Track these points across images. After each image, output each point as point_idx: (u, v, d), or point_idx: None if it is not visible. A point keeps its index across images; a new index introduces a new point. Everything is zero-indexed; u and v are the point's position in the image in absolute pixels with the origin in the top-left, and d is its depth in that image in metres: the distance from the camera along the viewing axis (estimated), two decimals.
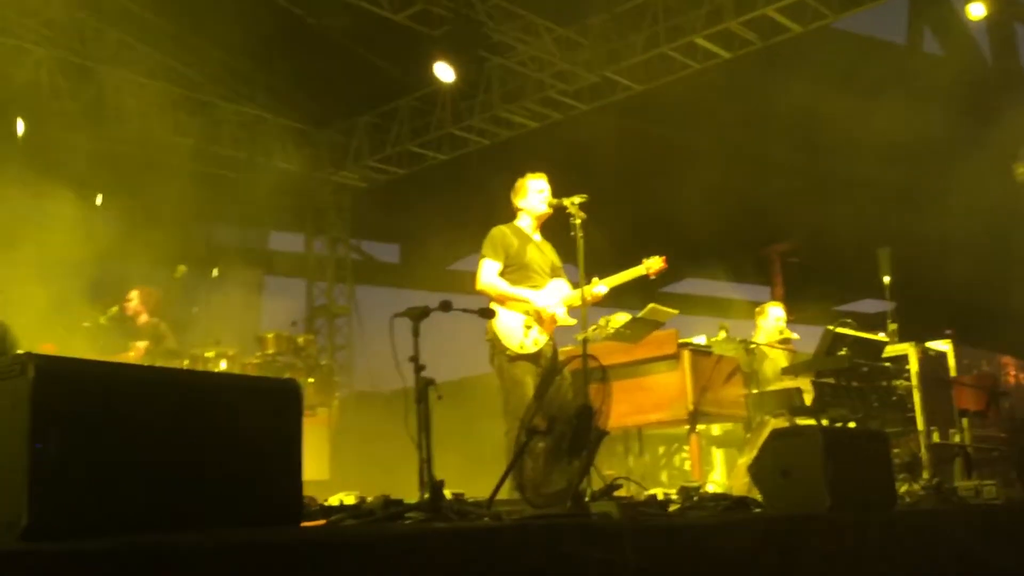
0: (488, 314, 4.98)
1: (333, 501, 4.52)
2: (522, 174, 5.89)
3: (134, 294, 8.32)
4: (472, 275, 5.73)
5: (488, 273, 5.62)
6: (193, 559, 2.01)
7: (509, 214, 5.89)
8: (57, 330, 7.37)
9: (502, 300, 5.56)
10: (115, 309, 8.11)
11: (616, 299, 5.96)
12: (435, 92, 11.33)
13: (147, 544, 2.03)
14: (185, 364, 7.85)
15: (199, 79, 10.82)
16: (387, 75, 11.09)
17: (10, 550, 1.99)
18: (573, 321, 5.65)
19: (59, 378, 2.29)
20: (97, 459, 2.29)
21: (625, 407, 6.21)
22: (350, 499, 4.58)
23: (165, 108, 10.77)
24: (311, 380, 9.05)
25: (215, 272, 9.61)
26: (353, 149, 12.63)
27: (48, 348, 6.84)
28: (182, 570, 1.98)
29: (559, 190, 5.69)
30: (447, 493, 3.56)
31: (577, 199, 5.33)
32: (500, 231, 5.74)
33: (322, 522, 3.20)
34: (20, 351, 4.52)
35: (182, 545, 2.05)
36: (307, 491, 2.99)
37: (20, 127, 9.17)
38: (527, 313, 5.57)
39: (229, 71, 10.54)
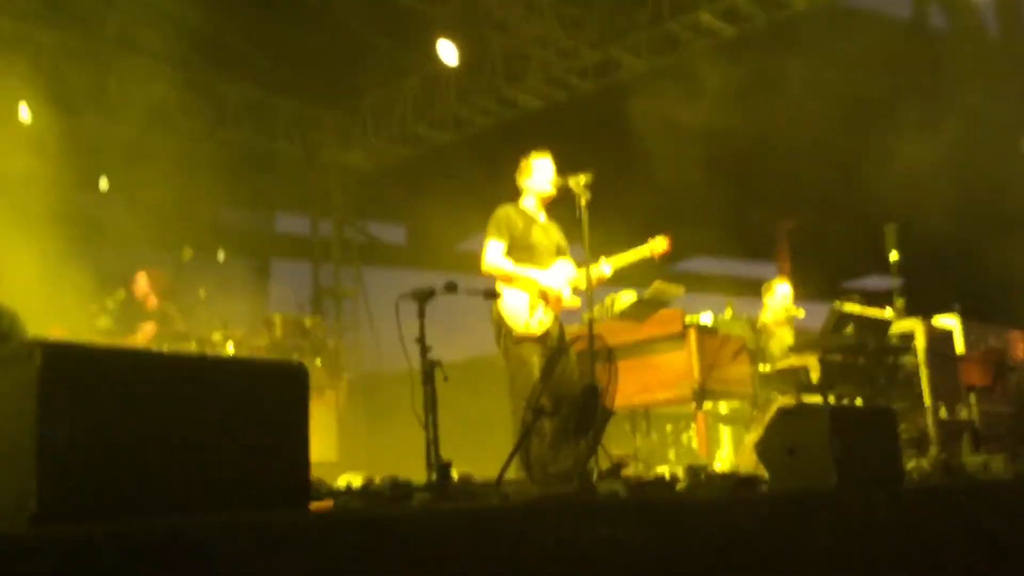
0: (493, 295, 4.99)
1: (341, 483, 4.54)
2: (527, 153, 5.87)
3: (141, 277, 8.34)
4: (478, 256, 5.73)
5: (493, 253, 5.61)
6: (201, 542, 2.02)
7: (515, 194, 5.88)
8: (65, 314, 7.39)
9: (507, 280, 5.56)
10: (123, 293, 8.13)
11: (622, 279, 5.95)
12: (439, 72, 11.29)
13: (155, 527, 2.04)
14: (192, 347, 7.88)
15: (203, 61, 10.79)
16: (391, 55, 11.05)
17: (19, 534, 2.01)
18: (579, 301, 5.65)
19: (66, 363, 2.30)
20: (105, 443, 2.30)
21: (631, 386, 6.21)
22: (358, 480, 4.60)
23: (169, 90, 10.75)
24: (318, 362, 9.08)
25: (221, 255, 9.62)
26: (358, 130, 12.61)
27: (56, 332, 6.87)
28: (190, 553, 1.99)
29: (563, 168, 5.67)
30: (454, 473, 3.57)
31: (582, 178, 5.31)
32: (505, 211, 5.73)
33: (330, 503, 3.21)
34: (28, 337, 4.54)
35: (190, 528, 2.07)
36: (315, 473, 3.00)
37: (24, 112, 9.16)
38: (532, 293, 5.56)
39: (233, 52, 10.50)
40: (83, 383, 2.31)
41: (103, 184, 9.16)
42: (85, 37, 9.87)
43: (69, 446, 2.22)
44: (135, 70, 10.38)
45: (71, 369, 2.30)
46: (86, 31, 9.86)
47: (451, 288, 4.11)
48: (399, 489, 3.42)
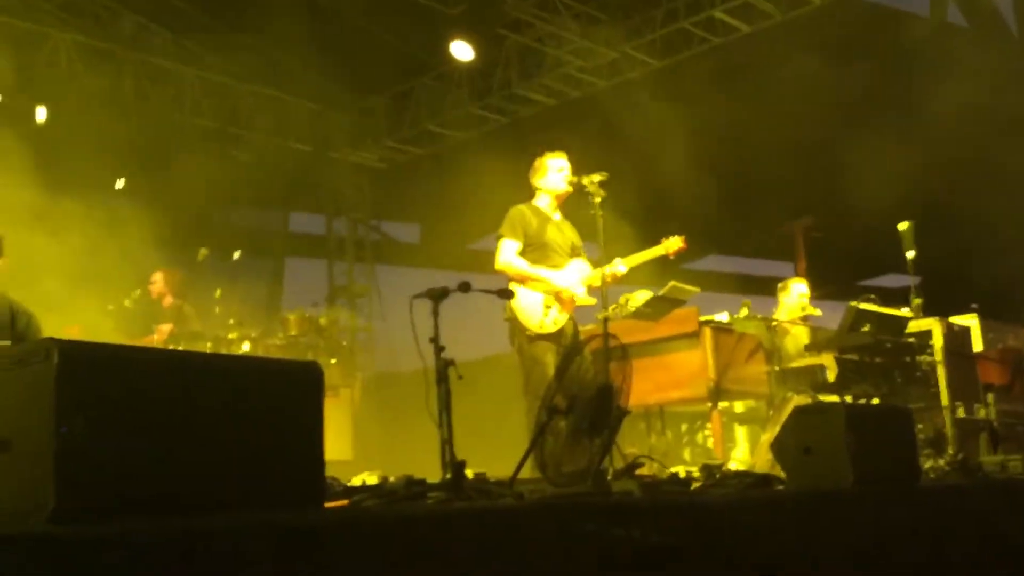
0: (507, 294, 4.99)
1: (356, 481, 4.55)
2: (541, 153, 5.88)
3: (158, 276, 8.38)
4: (493, 255, 5.73)
5: (507, 253, 5.62)
6: (216, 541, 2.03)
7: (529, 193, 5.88)
8: (82, 314, 7.43)
9: (522, 280, 5.56)
10: (139, 292, 8.17)
11: (636, 278, 5.94)
12: (453, 71, 11.30)
13: (169, 527, 2.05)
14: (208, 346, 7.91)
15: (216, 61, 10.83)
16: (404, 54, 11.06)
17: (37, 533, 2.02)
18: (593, 300, 5.65)
19: (83, 362, 2.31)
20: (121, 443, 2.31)
21: (646, 385, 6.20)
22: (372, 479, 4.62)
23: (183, 90, 10.80)
24: (333, 361, 9.09)
25: (236, 254, 9.66)
26: (371, 129, 12.62)
27: (73, 332, 6.91)
28: (205, 552, 2.00)
29: (579, 168, 5.68)
30: (469, 473, 3.57)
31: (597, 177, 5.32)
32: (519, 210, 5.73)
33: (344, 502, 3.22)
34: (44, 336, 4.56)
35: (205, 527, 2.08)
36: (330, 471, 3.01)
37: (41, 113, 9.21)
38: (547, 293, 5.56)
39: (245, 52, 10.53)
40: (99, 382, 2.32)
41: (119, 184, 9.20)
42: (100, 38, 9.92)
43: (86, 445, 2.23)
44: (149, 70, 10.43)
45: (88, 368, 2.31)
46: (101, 32, 9.90)
47: (465, 287, 4.11)
48: (414, 488, 3.42)
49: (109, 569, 1.88)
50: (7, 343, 4.35)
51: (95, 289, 7.82)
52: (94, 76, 9.71)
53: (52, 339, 2.32)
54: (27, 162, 7.53)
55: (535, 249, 5.65)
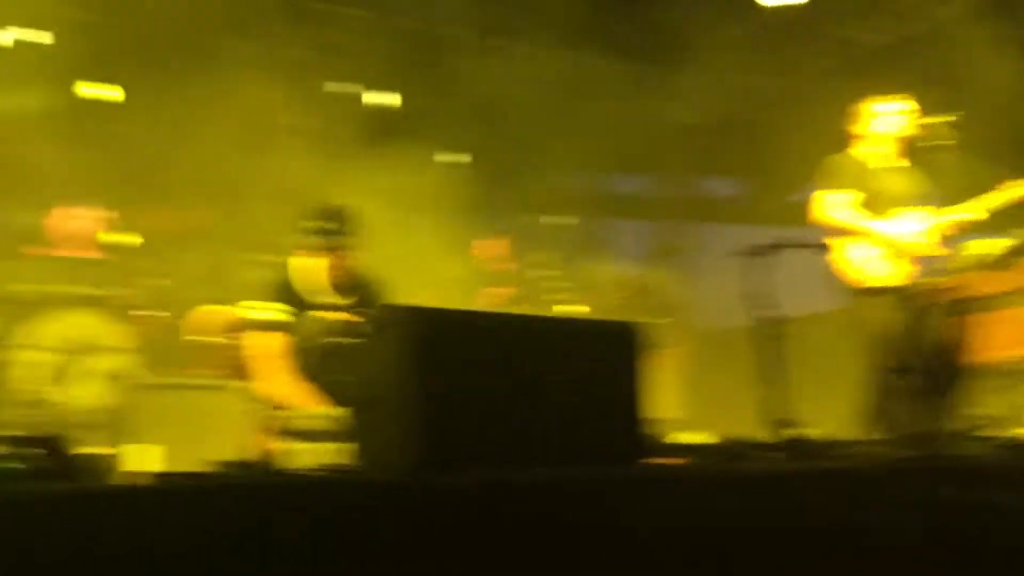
0: (826, 249, 4.80)
1: (684, 440, 4.60)
2: (866, 96, 5.57)
3: (486, 243, 8.82)
4: (815, 208, 5.52)
5: (832, 205, 5.38)
6: (544, 492, 2.17)
7: (855, 140, 5.60)
8: (421, 280, 8.01)
9: (850, 232, 5.31)
10: (469, 257, 8.65)
11: (988, 224, 5.50)
12: (772, 17, 10.88)
13: (513, 477, 2.22)
14: (536, 310, 8.21)
15: (532, 29, 11.10)
16: (716, 5, 10.80)
17: (402, 480, 2.27)
18: (936, 251, 5.28)
19: (435, 327, 2.56)
20: (460, 400, 2.52)
21: (993, 342, 5.73)
22: (700, 438, 4.65)
23: (502, 61, 11.16)
24: (661, 320, 9.15)
25: (562, 218, 9.95)
26: (689, 85, 12.47)
27: (414, 298, 7.48)
28: (535, 502, 2.14)
29: (923, 109, 5.34)
30: (800, 432, 3.52)
31: (944, 118, 4.96)
32: (842, 159, 5.47)
33: (671, 461, 3.28)
34: (391, 302, 5.00)
35: (537, 479, 2.23)
36: (659, 429, 3.07)
37: (390, 98, 9.98)
38: (881, 245, 5.28)
39: (563, 20, 10.74)
40: (449, 345, 2.55)
41: (440, 157, 9.80)
42: (418, 19, 10.45)
43: (440, 402, 2.46)
44: (472, 46, 10.91)
45: (440, 332, 2.55)
46: (412, 9, 10.41)
47: (783, 245, 4.04)
48: (739, 447, 3.42)
49: (460, 514, 2.08)
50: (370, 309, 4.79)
51: (426, 256, 8.39)
52: (413, 54, 10.28)
53: (405, 305, 2.58)
54: (360, 141, 8.20)
55: (865, 200, 5.37)
